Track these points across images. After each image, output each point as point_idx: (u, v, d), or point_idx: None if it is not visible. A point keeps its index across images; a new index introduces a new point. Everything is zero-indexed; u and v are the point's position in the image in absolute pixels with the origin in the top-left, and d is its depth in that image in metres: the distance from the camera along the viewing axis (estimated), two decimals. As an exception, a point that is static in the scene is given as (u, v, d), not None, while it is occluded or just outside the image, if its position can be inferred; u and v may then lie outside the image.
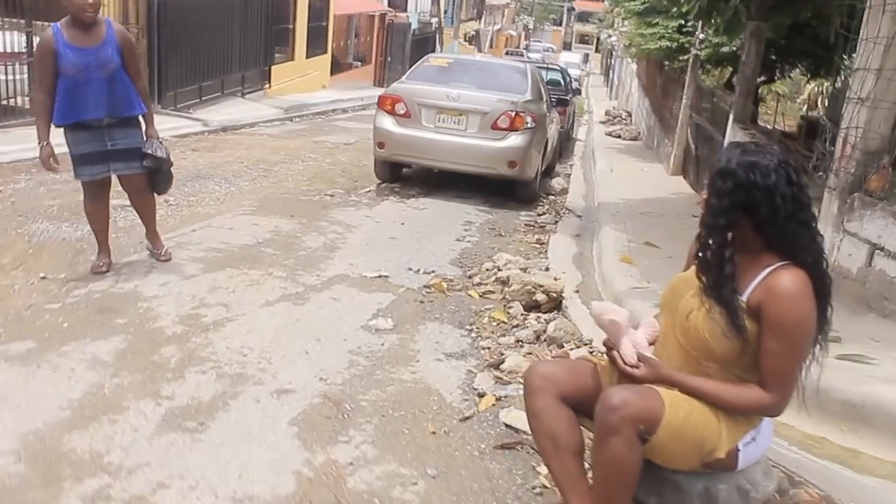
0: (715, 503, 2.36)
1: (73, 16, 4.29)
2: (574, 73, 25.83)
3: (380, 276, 5.21)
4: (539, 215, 8.11)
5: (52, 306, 4.07)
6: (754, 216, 2.18)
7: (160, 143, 4.70)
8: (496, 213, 7.91)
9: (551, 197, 9.32)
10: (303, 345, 3.89)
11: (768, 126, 11.39)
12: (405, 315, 4.54)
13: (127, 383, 3.27)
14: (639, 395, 2.19)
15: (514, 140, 8.05)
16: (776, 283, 2.16)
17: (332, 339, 4.02)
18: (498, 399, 3.51)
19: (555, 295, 4.96)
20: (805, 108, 16.20)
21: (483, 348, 4.16)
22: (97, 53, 4.35)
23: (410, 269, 5.47)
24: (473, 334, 4.37)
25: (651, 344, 2.43)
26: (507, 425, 3.28)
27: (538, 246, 6.73)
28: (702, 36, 10.31)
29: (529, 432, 3.16)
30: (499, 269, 5.55)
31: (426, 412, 3.33)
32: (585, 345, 4.23)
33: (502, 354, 4.05)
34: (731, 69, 12.85)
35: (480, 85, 8.45)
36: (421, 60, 9.58)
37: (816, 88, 16.13)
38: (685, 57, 11.88)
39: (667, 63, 13.46)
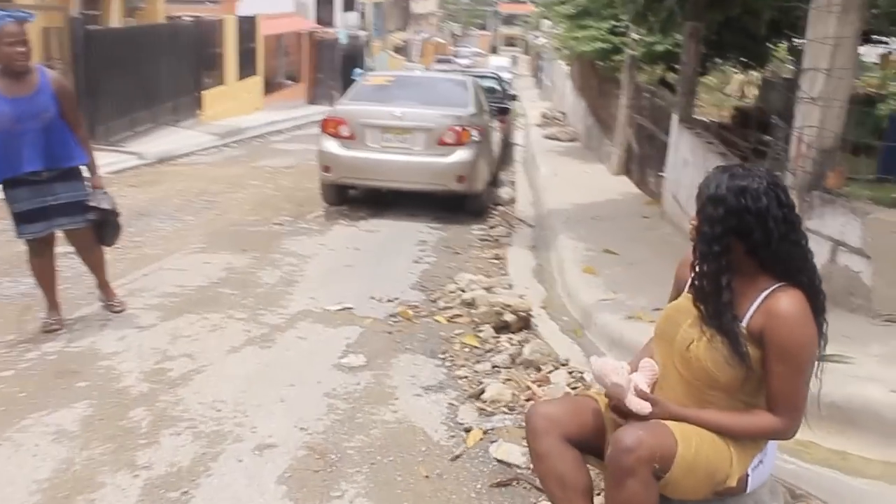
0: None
1: (2, 65, 4.07)
2: (504, 76, 25.93)
3: (343, 309, 5.09)
4: (491, 228, 8.08)
5: (5, 374, 3.84)
6: (747, 240, 2.16)
7: (105, 193, 4.50)
8: (449, 230, 7.85)
9: (500, 207, 9.29)
10: (277, 392, 3.76)
11: (706, 119, 11.61)
12: (376, 349, 4.44)
13: (99, 455, 3.08)
14: (651, 433, 2.14)
15: (462, 155, 8.01)
16: (776, 306, 2.14)
17: (306, 383, 3.88)
18: (485, 432, 3.44)
19: (523, 314, 4.92)
20: (736, 99, 16.59)
21: (460, 377, 4.08)
22: (31, 103, 4.12)
23: (373, 298, 5.36)
24: (448, 363, 4.29)
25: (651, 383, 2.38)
26: (498, 460, 3.21)
27: (496, 261, 6.69)
28: (636, 36, 10.44)
29: (522, 466, 3.14)
30: (462, 291, 5.49)
31: (415, 454, 3.24)
32: (563, 365, 4.20)
33: (481, 383, 3.98)
34: (663, 66, 13.09)
35: (423, 101, 8.38)
36: (360, 79, 9.48)
37: (745, 78, 16.56)
38: (619, 57, 12.04)
39: (600, 63, 13.59)
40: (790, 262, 2.18)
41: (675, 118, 7.60)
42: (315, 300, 5.24)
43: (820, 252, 4.38)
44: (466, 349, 4.51)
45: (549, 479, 2.35)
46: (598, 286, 5.32)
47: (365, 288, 5.59)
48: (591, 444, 2.38)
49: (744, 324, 2.18)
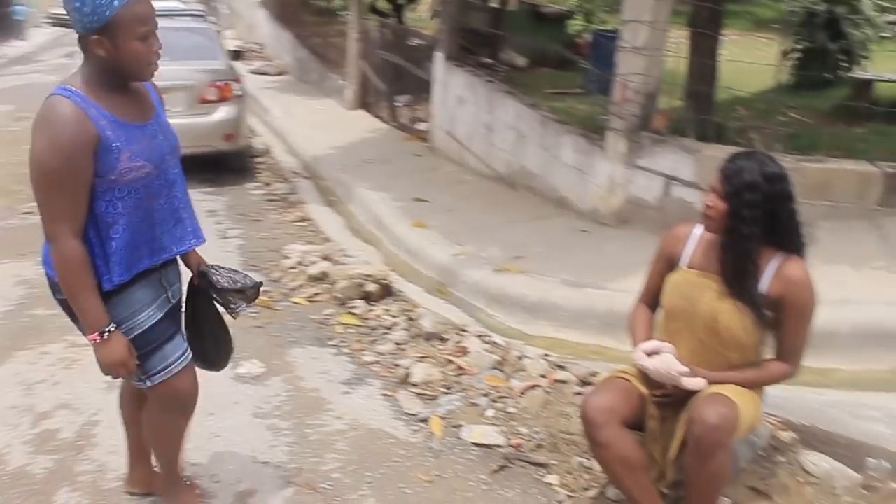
0: (736, 460, 2.72)
1: (109, 72, 2.17)
2: (174, 5, 23.97)
3: (192, 308, 4.63)
4: (268, 185, 7.73)
5: None
6: (774, 220, 2.43)
7: (224, 268, 2.69)
8: (226, 193, 7.37)
9: (258, 159, 8.87)
10: (202, 426, 3.37)
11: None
12: (261, 349, 4.14)
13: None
14: (724, 406, 2.38)
15: (227, 112, 7.49)
16: (792, 275, 2.47)
17: (224, 408, 3.52)
18: (443, 418, 3.46)
19: (384, 282, 4.88)
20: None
21: (370, 363, 4.00)
22: (163, 128, 2.39)
23: (213, 290, 4.93)
24: (346, 350, 4.17)
25: None
26: (476, 444, 3.27)
27: (304, 223, 6.46)
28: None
29: (503, 445, 3.25)
30: (302, 265, 5.26)
31: (399, 460, 3.17)
32: (464, 331, 4.28)
33: (396, 365, 3.94)
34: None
35: (171, 56, 7.54)
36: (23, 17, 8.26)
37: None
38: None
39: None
40: (795, 235, 2.51)
41: (439, 56, 7.75)
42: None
43: (652, 186, 4.92)
44: (351, 330, 4.40)
45: (614, 464, 2.52)
46: (439, 240, 5.42)
47: (194, 279, 5.11)
48: (634, 422, 2.59)
49: (762, 291, 2.48)
